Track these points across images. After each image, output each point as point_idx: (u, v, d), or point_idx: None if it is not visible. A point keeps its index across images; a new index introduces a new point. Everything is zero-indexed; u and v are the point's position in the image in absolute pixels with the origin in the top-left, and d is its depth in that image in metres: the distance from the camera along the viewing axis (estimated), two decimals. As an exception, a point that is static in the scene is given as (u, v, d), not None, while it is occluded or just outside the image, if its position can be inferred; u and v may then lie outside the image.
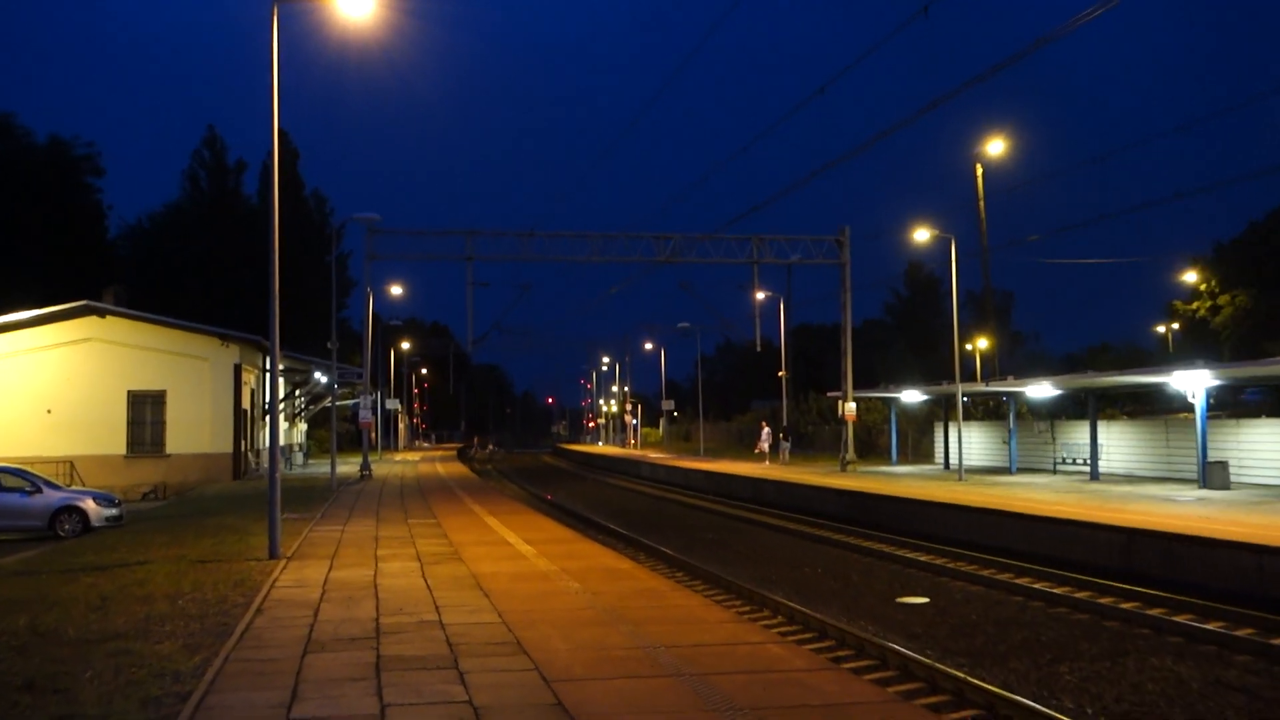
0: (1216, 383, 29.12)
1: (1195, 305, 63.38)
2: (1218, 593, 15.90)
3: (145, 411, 37.04)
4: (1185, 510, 21.24)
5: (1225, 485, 26.77)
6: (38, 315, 36.65)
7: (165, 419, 37.11)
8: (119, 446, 36.58)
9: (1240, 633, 13.46)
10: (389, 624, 10.48)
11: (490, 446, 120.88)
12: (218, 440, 37.52)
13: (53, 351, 36.73)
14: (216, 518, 22.71)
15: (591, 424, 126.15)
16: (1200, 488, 26.82)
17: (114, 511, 23.50)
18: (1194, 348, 58.99)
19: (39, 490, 23.16)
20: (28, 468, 25.75)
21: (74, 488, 27.58)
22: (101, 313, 37.33)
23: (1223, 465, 27.21)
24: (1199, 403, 27.21)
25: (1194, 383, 26.95)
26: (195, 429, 37.25)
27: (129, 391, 36.87)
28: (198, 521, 22.02)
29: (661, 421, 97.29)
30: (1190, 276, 64.51)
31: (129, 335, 37.34)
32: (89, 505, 23.14)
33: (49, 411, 36.09)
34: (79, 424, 36.09)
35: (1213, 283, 62.20)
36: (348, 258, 78.33)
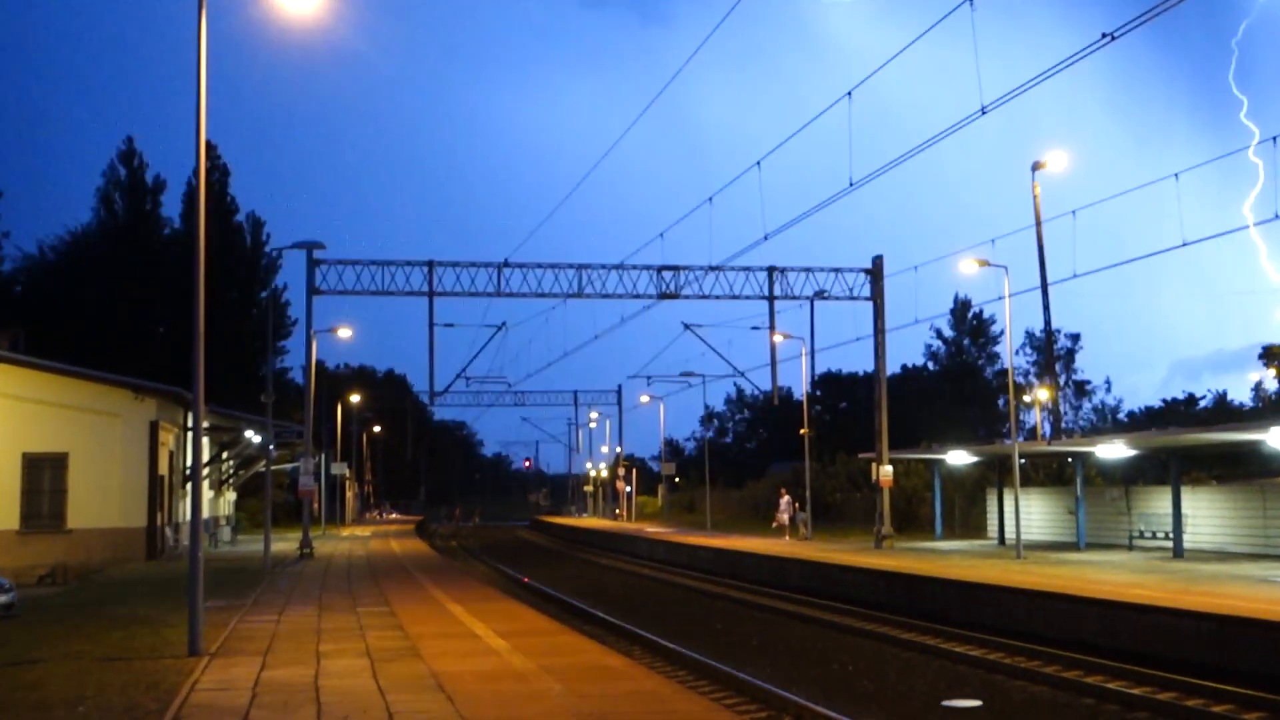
0: (1323, 441, 29.13)
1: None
2: (1330, 693, 15.79)
3: (43, 478, 36.80)
4: (1288, 594, 21.15)
5: (1335, 564, 26.69)
6: (-84, 363, 36.50)
7: (67, 487, 36.86)
8: (11, 520, 36.32)
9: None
10: (332, 734, 10.36)
11: (475, 519, 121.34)
12: (129, 512, 37.29)
13: (-67, 406, 36.59)
14: (127, 606, 22.51)
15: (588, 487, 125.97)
16: (1306, 567, 26.76)
17: (3, 599, 23.29)
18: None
19: (-87, 573, 22.96)
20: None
21: (-44, 570, 27.33)
22: (-8, 360, 37.24)
23: (1332, 540, 27.16)
24: (1302, 465, 27.21)
25: (1296, 441, 26.95)
26: (103, 499, 37.02)
27: (24, 454, 36.64)
28: (105, 610, 21.82)
29: (661, 489, 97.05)
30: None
31: (24, 387, 37.17)
32: (-27, 591, 22.92)
33: (-73, 478, 35.89)
34: (-37, 493, 35.87)
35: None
36: (285, 293, 78.26)
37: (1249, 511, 33.08)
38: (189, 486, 41.50)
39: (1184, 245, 27.07)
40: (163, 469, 38.95)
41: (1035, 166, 47.04)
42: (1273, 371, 65.82)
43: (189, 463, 40.45)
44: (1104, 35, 16.73)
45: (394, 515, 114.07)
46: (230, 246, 72.54)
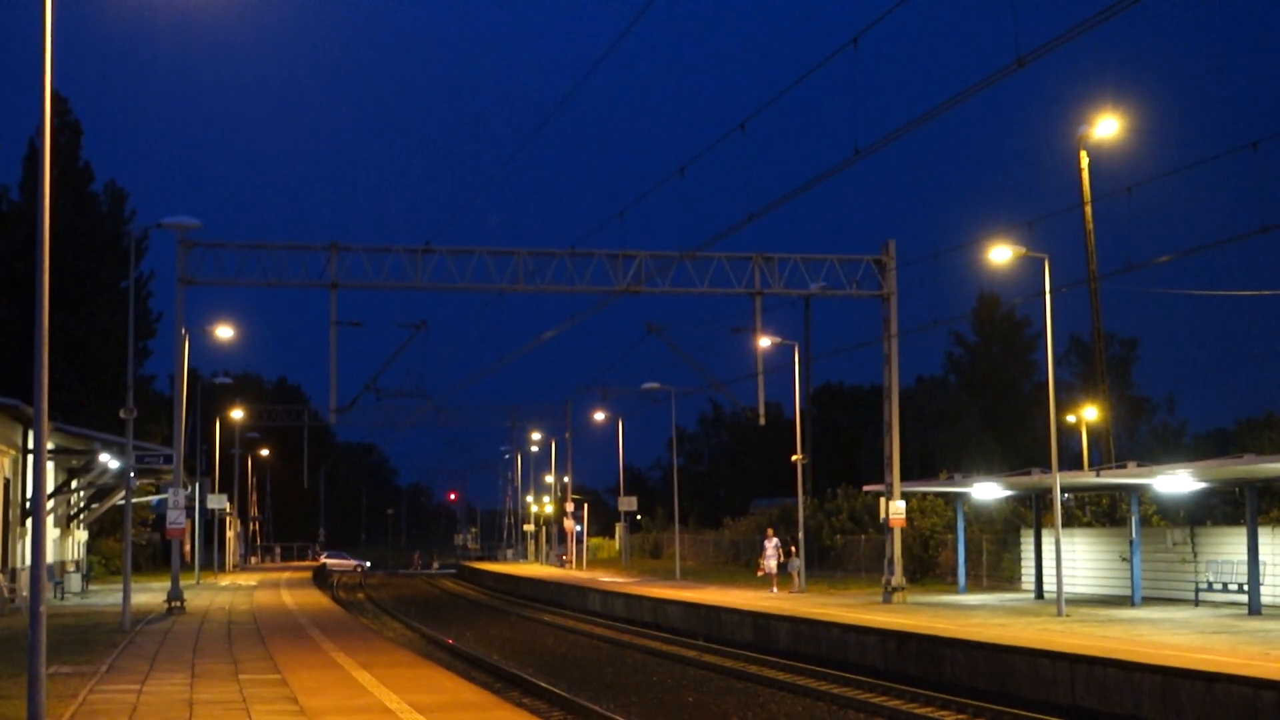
0: None
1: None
2: None
3: None
4: (1390, 660, 21.36)
5: None
6: None
7: (-127, 524, 36.59)
8: None
9: None
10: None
11: (435, 565, 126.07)
12: (-47, 556, 37.02)
13: None
14: (-52, 673, 22.28)
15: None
16: None
17: None
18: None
19: None
20: None
21: None
22: None
23: None
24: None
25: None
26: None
27: None
28: (-80, 678, 21.58)
29: (619, 529, 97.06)
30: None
31: None
32: None
33: None
34: None
35: None
36: (151, 280, 77.72)
37: (1342, 558, 33.41)
38: (29, 523, 41.12)
39: (1263, 230, 27.21)
40: (-5, 501, 38.65)
41: (1081, 136, 47.38)
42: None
43: (29, 493, 40.08)
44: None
45: (283, 562, 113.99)
46: (84, 223, 71.82)
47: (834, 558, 61.64)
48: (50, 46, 16.30)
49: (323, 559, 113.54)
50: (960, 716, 22.74)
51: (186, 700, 18.77)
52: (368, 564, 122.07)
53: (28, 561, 15.53)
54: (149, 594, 44.81)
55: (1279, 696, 18.85)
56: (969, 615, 34.02)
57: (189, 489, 46.09)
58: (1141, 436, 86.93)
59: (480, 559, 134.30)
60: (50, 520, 45.00)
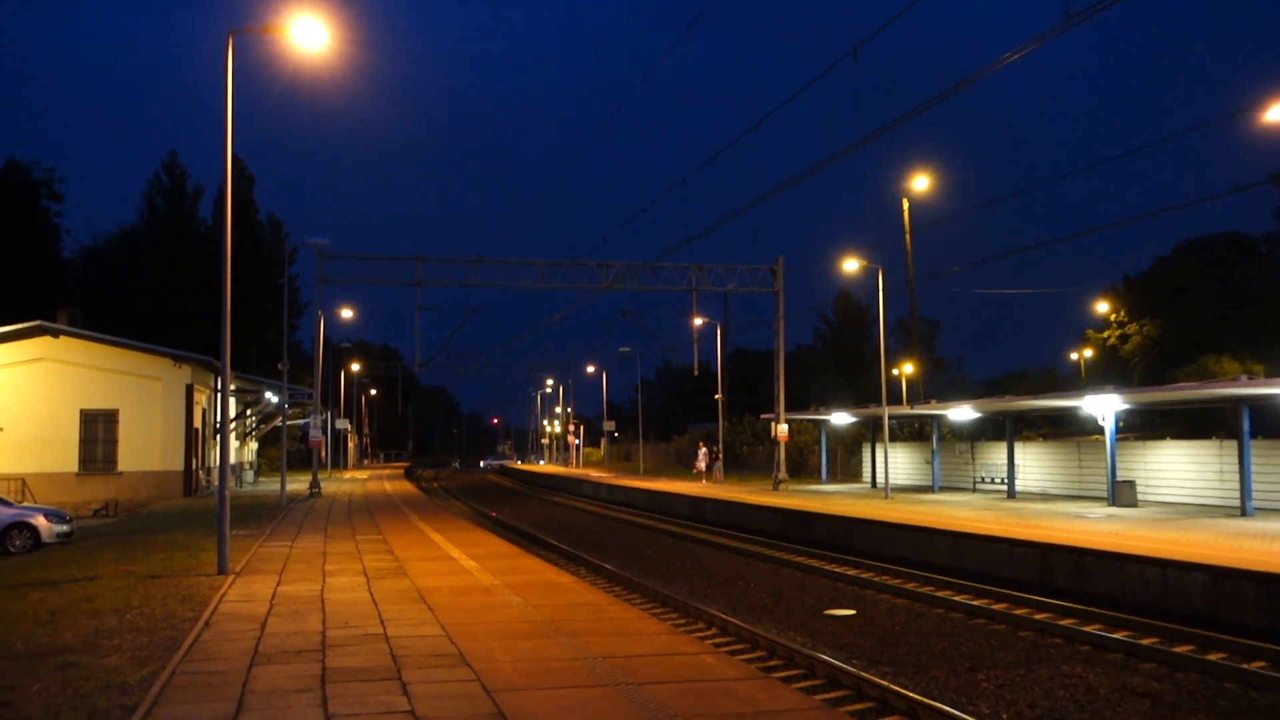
0: (1125, 407, 29.75)
1: (1106, 334, 64.77)
2: (1126, 604, 16.23)
3: (97, 430, 36.23)
4: (1096, 526, 21.63)
5: (1133, 503, 27.33)
6: (-10, 335, 35.78)
7: (117, 437, 36.33)
8: (71, 464, 35.74)
9: (1146, 642, 13.73)
10: (335, 637, 10.35)
11: (456, 465, 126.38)
12: (169, 458, 36.81)
13: (5, 371, 35.85)
14: (166, 534, 22.25)
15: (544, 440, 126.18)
16: (1110, 505, 27.35)
17: (65, 528, 22.94)
18: (1105, 374, 60.27)
19: (-11, 507, 22.56)
20: (-22, 485, 25.07)
21: (25, 505, 26.85)
22: (55, 333, 36.51)
23: (1130, 484, 27.79)
24: (1109, 426, 27.78)
25: (1104, 407, 27.51)
26: (147, 447, 36.52)
27: (81, 410, 36.06)
28: (148, 538, 21.55)
29: (603, 442, 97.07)
30: (1102, 307, 65.91)
31: (82, 355, 36.56)
32: (40, 522, 22.58)
33: (0, 429, 35.18)
34: (31, 442, 35.21)
35: (1122, 313, 63.64)
36: (298, 280, 77.55)
37: (1067, 462, 33.75)
38: (218, 437, 40.97)
39: (1023, 249, 27.38)
40: (197, 423, 38.41)
41: (904, 188, 47.55)
42: (1089, 351, 67.06)
43: (219, 418, 39.95)
44: None
45: (386, 463, 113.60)
46: (254, 243, 71.44)
47: (742, 461, 61.82)
48: (230, 128, 16.23)
49: (371, 463, 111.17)
50: (820, 562, 22.94)
51: (321, 551, 18.83)
52: (455, 464, 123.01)
53: (218, 462, 15.49)
54: (297, 484, 44.70)
55: (1026, 550, 19.09)
56: (829, 498, 34.28)
57: (324, 415, 45.99)
58: (941, 385, 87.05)
59: (514, 461, 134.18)
60: (232, 435, 44.84)
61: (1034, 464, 34.85)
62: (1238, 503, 24.76)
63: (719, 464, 49.96)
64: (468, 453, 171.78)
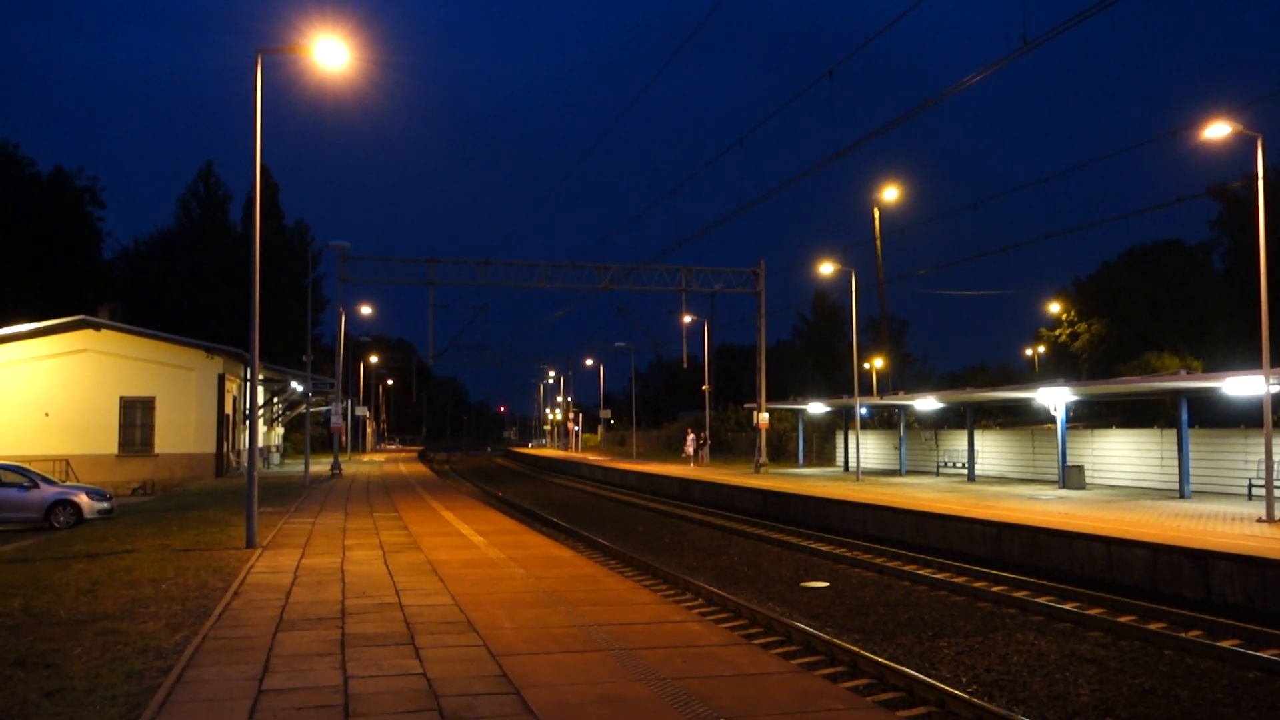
0: (1075, 398, 29.82)
1: (1058, 332, 64.90)
2: (1074, 578, 16.28)
3: (136, 415, 36.13)
4: (1048, 507, 21.68)
5: (1081, 486, 27.41)
6: (37, 328, 35.68)
7: (154, 422, 36.24)
8: (111, 446, 35.64)
9: (1092, 612, 13.77)
10: (353, 605, 10.33)
11: (462, 450, 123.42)
12: (202, 441, 36.73)
13: (51, 361, 35.74)
14: (199, 511, 22.22)
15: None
16: (1061, 488, 27.41)
17: (105, 505, 22.87)
18: (1057, 368, 60.47)
19: (36, 485, 22.46)
20: (26, 465, 24.98)
21: (68, 483, 26.75)
22: (96, 326, 36.41)
23: (1080, 469, 27.86)
24: (1060, 416, 27.85)
25: (1056, 398, 27.58)
26: (181, 431, 36.43)
27: (121, 397, 35.96)
28: (182, 514, 21.51)
29: (600, 428, 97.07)
30: (1055, 307, 66.04)
31: (121, 347, 36.44)
32: (82, 499, 22.50)
33: (46, 415, 35.08)
34: (74, 426, 35.12)
35: (1072, 313, 63.77)
36: (322, 279, 77.12)
37: (1022, 449, 33.81)
38: (247, 423, 40.96)
39: (977, 256, 27.34)
40: (228, 409, 38.32)
41: (875, 198, 47.52)
42: (1042, 348, 67.18)
43: (248, 405, 39.86)
44: None
45: (401, 447, 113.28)
46: (281, 245, 71.27)
47: (727, 446, 61.86)
48: (260, 135, 16.16)
49: (388, 447, 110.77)
50: (797, 539, 22.96)
51: (342, 527, 18.80)
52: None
53: (247, 445, 15.42)
54: (320, 465, 44.66)
55: (985, 528, 19.12)
56: (805, 480, 34.30)
57: (344, 403, 45.88)
58: (908, 377, 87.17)
59: (518, 446, 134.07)
60: (260, 421, 44.61)
61: (992, 450, 34.90)
62: (1177, 486, 24.83)
63: (705, 449, 49.98)
64: (476, 438, 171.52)
